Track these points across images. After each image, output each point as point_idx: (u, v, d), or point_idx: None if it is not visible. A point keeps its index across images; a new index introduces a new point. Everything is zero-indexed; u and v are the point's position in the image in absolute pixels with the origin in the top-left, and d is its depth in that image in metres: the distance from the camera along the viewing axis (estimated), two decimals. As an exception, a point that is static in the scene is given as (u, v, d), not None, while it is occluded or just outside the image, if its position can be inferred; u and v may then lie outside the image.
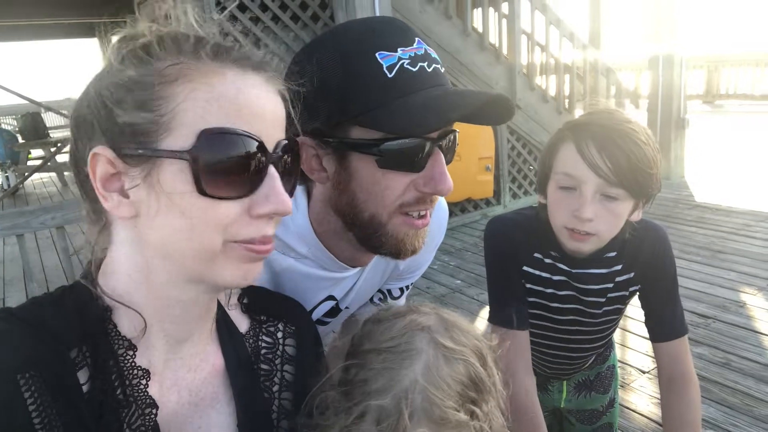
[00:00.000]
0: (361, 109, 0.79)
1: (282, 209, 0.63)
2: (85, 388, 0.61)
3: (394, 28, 0.85)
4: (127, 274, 0.65)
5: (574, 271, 1.29)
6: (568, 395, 1.60)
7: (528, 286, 1.32)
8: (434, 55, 0.85)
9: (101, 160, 0.60)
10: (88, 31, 13.26)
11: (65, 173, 9.98)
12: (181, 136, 0.58)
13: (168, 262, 0.63)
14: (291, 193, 0.69)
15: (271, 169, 0.63)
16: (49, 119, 11.92)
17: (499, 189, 6.10)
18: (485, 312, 3.80)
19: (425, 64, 0.82)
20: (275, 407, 0.78)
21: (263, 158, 0.62)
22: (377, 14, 4.31)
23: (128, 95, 0.59)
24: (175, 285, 0.64)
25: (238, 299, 0.81)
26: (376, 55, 0.79)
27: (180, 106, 0.58)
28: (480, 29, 5.74)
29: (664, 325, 1.31)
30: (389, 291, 1.24)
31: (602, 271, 1.29)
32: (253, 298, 0.83)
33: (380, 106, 0.78)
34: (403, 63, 0.80)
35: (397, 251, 0.89)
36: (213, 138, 0.58)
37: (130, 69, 0.60)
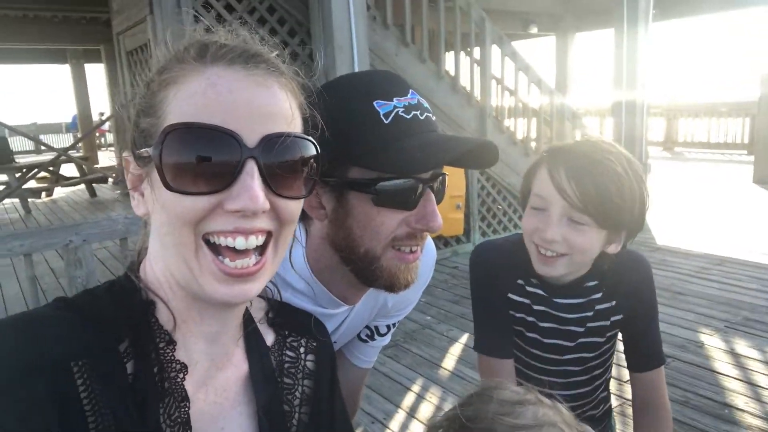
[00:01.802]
0: (361, 152, 0.86)
1: (250, 206, 0.60)
2: (130, 379, 0.64)
3: (391, 80, 0.93)
4: (153, 270, 0.70)
5: (554, 300, 1.29)
6: None
7: (515, 315, 1.32)
8: (426, 105, 0.93)
9: (128, 165, 0.68)
10: (60, 57, 13.16)
11: (29, 200, 9.76)
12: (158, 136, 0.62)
13: (168, 266, 0.67)
14: (310, 192, 0.69)
15: (249, 165, 0.60)
16: (16, 144, 11.68)
17: (469, 227, 6.23)
18: (455, 348, 3.88)
19: (418, 113, 0.90)
20: (295, 421, 0.81)
21: (237, 153, 0.60)
22: (356, 56, 4.45)
23: (141, 103, 0.66)
24: (185, 291, 0.67)
25: (266, 313, 0.85)
26: (374, 103, 0.87)
27: (168, 108, 0.62)
28: (452, 73, 5.94)
29: (642, 356, 1.32)
30: (377, 327, 1.28)
31: (581, 300, 1.29)
32: (279, 313, 0.86)
33: (378, 149, 0.86)
34: (398, 111, 0.88)
35: (391, 284, 0.94)
36: (175, 134, 0.60)
37: (146, 81, 0.68)
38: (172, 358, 0.68)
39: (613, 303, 1.30)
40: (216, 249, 0.63)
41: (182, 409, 0.67)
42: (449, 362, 3.72)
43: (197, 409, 0.70)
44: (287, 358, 0.83)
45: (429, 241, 1.14)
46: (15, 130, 8.95)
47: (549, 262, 1.20)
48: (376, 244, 0.90)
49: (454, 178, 5.77)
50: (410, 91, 0.92)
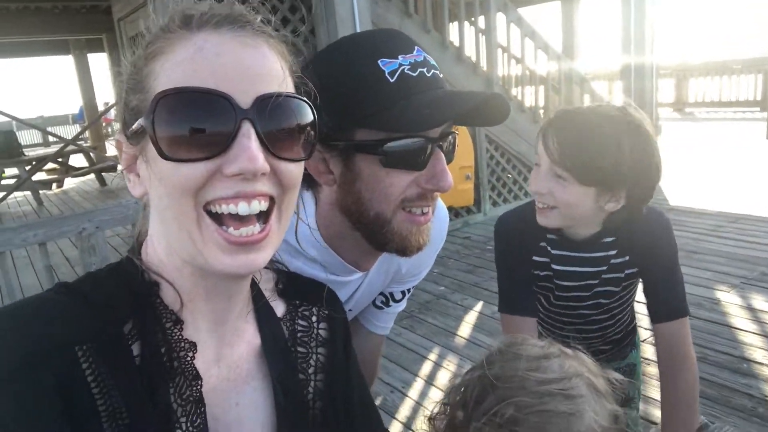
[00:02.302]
0: (366, 112, 0.84)
1: (249, 167, 0.58)
2: (137, 361, 0.64)
3: (395, 38, 0.90)
4: (155, 251, 0.69)
5: (572, 254, 1.38)
6: None
7: (535, 272, 1.42)
8: (433, 62, 0.90)
9: (120, 146, 0.67)
10: (62, 48, 13.14)
11: (40, 192, 9.85)
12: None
13: (171, 243, 0.66)
14: (309, 155, 0.67)
15: (245, 126, 0.59)
16: (24, 137, 11.75)
17: (479, 197, 6.20)
18: (470, 317, 3.90)
19: (424, 70, 0.87)
20: (311, 388, 0.81)
21: (231, 115, 0.58)
22: (358, 29, 4.40)
23: (128, 82, 0.65)
24: (191, 268, 0.66)
25: (275, 284, 0.84)
26: (379, 62, 0.85)
27: (157, 79, 0.61)
28: (456, 43, 5.86)
29: (661, 306, 1.36)
30: (391, 294, 1.28)
31: (596, 254, 1.37)
32: (288, 283, 0.86)
33: (384, 108, 0.84)
34: (403, 69, 0.85)
35: (403, 248, 0.93)
36: (166, 101, 0.58)
37: (133, 60, 0.66)
38: (180, 337, 0.67)
39: (627, 258, 1.37)
40: (218, 219, 0.61)
41: (194, 388, 0.67)
42: (465, 330, 3.74)
43: (210, 387, 0.70)
44: (300, 327, 0.83)
45: (440, 204, 1.12)
46: (23, 122, 8.99)
47: (542, 213, 1.31)
48: (385, 206, 0.89)
49: (463, 148, 5.73)
50: (416, 48, 0.90)
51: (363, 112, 0.85)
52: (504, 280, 1.46)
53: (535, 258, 1.41)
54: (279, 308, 0.83)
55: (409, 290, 1.31)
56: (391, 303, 1.30)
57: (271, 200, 0.64)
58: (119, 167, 0.69)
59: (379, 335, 1.36)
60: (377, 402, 2.98)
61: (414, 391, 3.08)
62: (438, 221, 1.11)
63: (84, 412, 0.58)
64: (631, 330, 1.61)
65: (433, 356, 3.43)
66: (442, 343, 3.57)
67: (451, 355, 3.43)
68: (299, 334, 0.82)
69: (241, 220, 0.61)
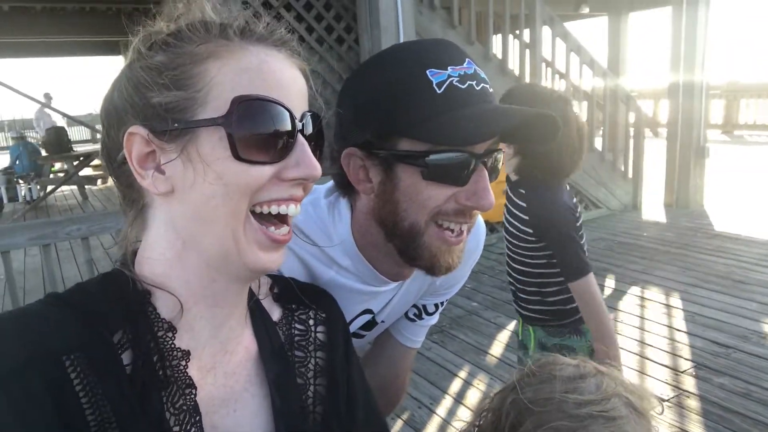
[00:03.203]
0: (411, 122, 0.82)
1: (312, 174, 0.66)
2: (128, 370, 0.63)
3: (445, 48, 0.88)
4: (162, 255, 0.67)
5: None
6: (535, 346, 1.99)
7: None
8: (483, 75, 0.87)
9: (137, 139, 0.64)
10: (113, 49, 13.57)
11: (86, 186, 10.16)
12: (216, 107, 0.62)
13: (199, 242, 0.65)
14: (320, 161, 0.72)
15: (301, 138, 0.66)
16: (73, 133, 12.18)
17: (517, 213, 6.11)
18: (502, 335, 3.83)
19: (474, 83, 0.85)
20: (311, 393, 0.79)
21: (292, 125, 0.65)
22: (401, 39, 4.39)
23: (160, 77, 0.63)
24: (207, 270, 0.66)
25: (270, 289, 0.84)
26: (427, 72, 0.83)
27: (213, 80, 0.62)
28: (500, 56, 5.81)
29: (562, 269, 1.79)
30: (424, 306, 1.25)
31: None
32: (283, 288, 0.85)
33: (429, 120, 0.81)
34: (452, 80, 0.83)
35: (431, 266, 0.91)
36: (245, 105, 0.62)
37: (159, 54, 0.64)
38: (173, 346, 0.67)
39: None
40: (259, 219, 0.66)
41: (188, 396, 0.66)
42: (497, 349, 3.67)
43: (206, 395, 0.69)
44: (297, 331, 0.82)
45: (479, 219, 1.09)
46: (73, 119, 9.30)
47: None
48: (420, 217, 0.86)
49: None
50: (467, 60, 0.87)
51: (408, 122, 0.82)
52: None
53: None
54: (275, 313, 0.82)
55: (442, 303, 1.28)
56: (424, 316, 1.27)
57: None
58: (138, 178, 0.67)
59: (411, 348, 1.33)
60: (404, 417, 2.95)
61: (442, 409, 3.02)
62: (474, 234, 1.07)
63: (73, 422, 0.58)
64: (565, 313, 1.87)
65: (462, 374, 3.37)
66: (472, 361, 3.51)
67: (482, 374, 3.37)
68: (296, 338, 0.81)
69: (282, 220, 0.68)
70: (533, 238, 1.82)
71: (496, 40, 6.05)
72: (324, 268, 0.99)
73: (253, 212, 0.65)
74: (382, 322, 1.15)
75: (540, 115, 0.85)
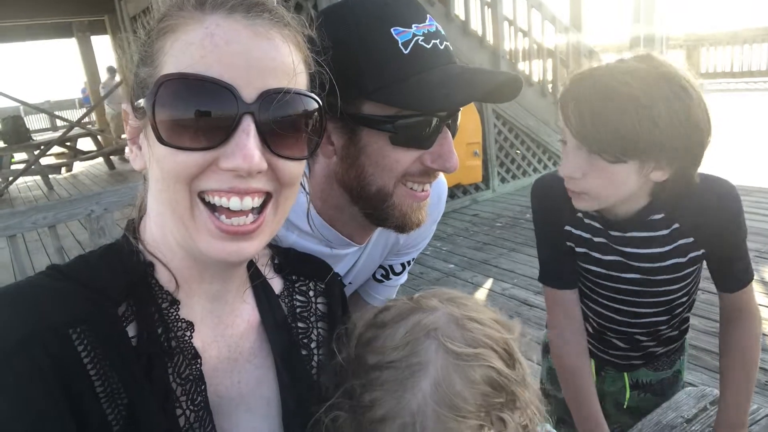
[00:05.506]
0: (377, 85, 0.81)
1: (243, 166, 0.57)
2: (133, 342, 0.63)
3: (407, 3, 0.85)
4: (154, 229, 0.68)
5: (612, 233, 1.20)
6: (630, 395, 1.45)
7: (575, 248, 1.27)
8: (443, 32, 0.86)
9: (126, 116, 0.66)
10: (66, 31, 13.09)
11: (50, 176, 9.89)
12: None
13: (166, 223, 0.64)
14: (312, 152, 0.66)
15: (245, 121, 0.58)
16: (31, 122, 11.78)
17: (488, 174, 6.16)
18: (480, 294, 3.89)
19: (437, 41, 0.83)
20: (314, 363, 0.80)
21: (233, 108, 0.57)
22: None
23: (138, 52, 0.64)
24: (183, 251, 0.65)
25: (270, 260, 0.83)
26: (392, 30, 0.80)
27: (165, 57, 0.59)
28: (462, 16, 5.77)
29: (728, 280, 1.23)
30: (391, 267, 1.26)
31: (647, 234, 1.18)
32: (284, 259, 0.85)
33: (397, 83, 0.80)
34: (417, 39, 0.81)
35: (402, 224, 0.92)
36: (169, 86, 0.57)
37: (144, 30, 0.65)
38: (177, 317, 0.67)
39: (691, 240, 1.18)
40: (212, 206, 0.61)
41: (193, 366, 0.67)
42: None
43: (210, 366, 0.69)
44: (298, 303, 0.82)
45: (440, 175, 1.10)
46: (30, 107, 9.01)
47: (574, 196, 1.14)
48: (388, 181, 0.87)
49: (470, 124, 5.68)
50: (428, 16, 0.85)
51: (373, 85, 0.81)
52: (541, 247, 1.33)
53: (569, 228, 1.25)
54: (276, 285, 0.82)
55: (409, 263, 1.30)
56: (392, 276, 1.28)
57: (267, 195, 0.63)
58: (126, 151, 0.68)
59: None
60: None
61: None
62: (434, 187, 1.08)
63: (82, 393, 0.58)
64: (685, 329, 1.42)
65: (442, 333, 3.43)
66: (451, 321, 3.57)
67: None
68: (298, 310, 0.82)
69: (233, 210, 0.61)
70: (697, 261, 1.24)
71: (458, 1, 5.99)
72: (285, 232, 0.98)
73: (203, 199, 0.61)
74: (350, 284, 1.16)
75: (509, 79, 0.85)
